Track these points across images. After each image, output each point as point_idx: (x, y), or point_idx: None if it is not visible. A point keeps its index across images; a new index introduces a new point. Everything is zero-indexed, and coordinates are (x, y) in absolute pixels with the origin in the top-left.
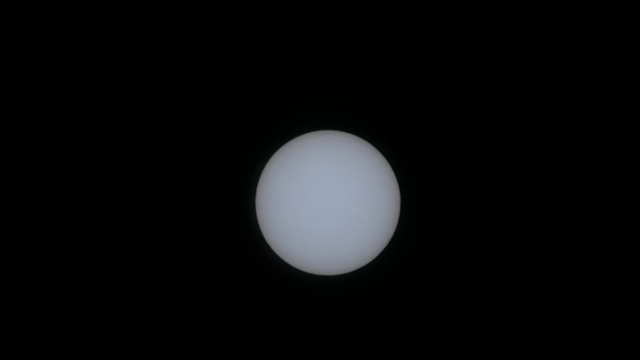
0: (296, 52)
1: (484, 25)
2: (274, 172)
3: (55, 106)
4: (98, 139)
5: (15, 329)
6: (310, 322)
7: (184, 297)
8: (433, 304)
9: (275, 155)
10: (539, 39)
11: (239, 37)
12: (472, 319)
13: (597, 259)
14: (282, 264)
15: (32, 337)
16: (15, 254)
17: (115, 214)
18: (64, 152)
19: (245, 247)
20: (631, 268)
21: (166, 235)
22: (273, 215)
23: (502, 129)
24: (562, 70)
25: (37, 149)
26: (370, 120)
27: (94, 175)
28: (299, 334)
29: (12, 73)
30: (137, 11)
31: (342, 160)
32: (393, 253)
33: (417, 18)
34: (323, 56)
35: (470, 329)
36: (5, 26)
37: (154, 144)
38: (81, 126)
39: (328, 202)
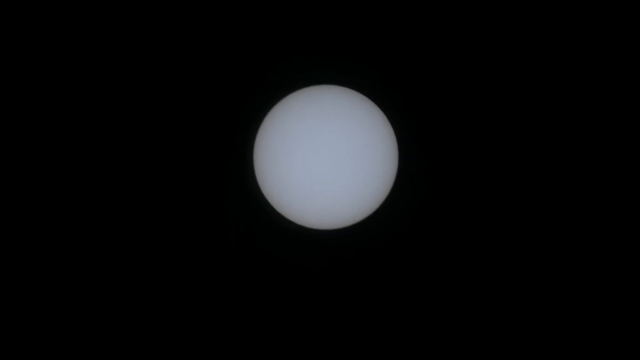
0: (295, 7)
1: None
2: (272, 127)
3: (42, 97)
4: (90, 102)
5: (15, 329)
6: (308, 276)
7: (182, 251)
8: (430, 258)
9: (274, 110)
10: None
11: None
12: (469, 274)
13: (597, 233)
14: (280, 217)
15: (30, 334)
16: (9, 248)
17: (118, 172)
18: (54, 138)
19: (243, 201)
20: (630, 263)
21: (165, 189)
22: (271, 169)
23: (501, 84)
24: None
25: (27, 143)
26: (368, 75)
27: (89, 135)
28: (296, 288)
29: (7, 73)
30: None
31: (340, 114)
32: (391, 207)
33: None
34: (322, 11)
35: (467, 284)
36: (5, 26)
37: (153, 100)
38: (69, 98)
39: (326, 156)
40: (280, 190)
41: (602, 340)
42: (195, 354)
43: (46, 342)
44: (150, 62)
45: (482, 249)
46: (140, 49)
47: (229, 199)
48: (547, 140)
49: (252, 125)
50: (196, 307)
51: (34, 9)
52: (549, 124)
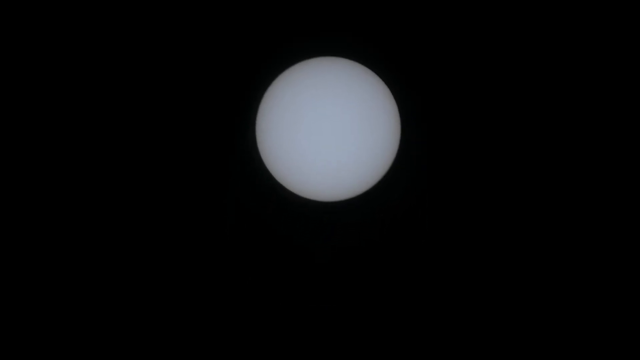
0: None
1: None
2: (275, 99)
3: (36, 92)
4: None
5: (15, 328)
6: (310, 248)
7: (185, 225)
8: (432, 230)
9: (276, 82)
10: None
11: None
12: (471, 248)
13: (597, 222)
14: (282, 189)
15: (31, 334)
16: (9, 248)
17: (120, 150)
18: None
19: (246, 174)
20: (630, 263)
21: (167, 162)
22: (274, 142)
23: (504, 59)
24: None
25: (23, 139)
26: (371, 47)
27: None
28: (299, 260)
29: (7, 73)
30: None
31: (343, 86)
32: (393, 179)
33: None
34: None
35: (468, 259)
36: (4, 26)
37: (156, 71)
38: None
39: (329, 129)
40: (283, 162)
41: (602, 340)
42: (198, 328)
43: (46, 339)
44: (154, 31)
45: (483, 222)
46: (142, 20)
47: (232, 172)
48: (551, 115)
49: (254, 97)
50: (199, 281)
51: (29, 8)
52: (553, 101)
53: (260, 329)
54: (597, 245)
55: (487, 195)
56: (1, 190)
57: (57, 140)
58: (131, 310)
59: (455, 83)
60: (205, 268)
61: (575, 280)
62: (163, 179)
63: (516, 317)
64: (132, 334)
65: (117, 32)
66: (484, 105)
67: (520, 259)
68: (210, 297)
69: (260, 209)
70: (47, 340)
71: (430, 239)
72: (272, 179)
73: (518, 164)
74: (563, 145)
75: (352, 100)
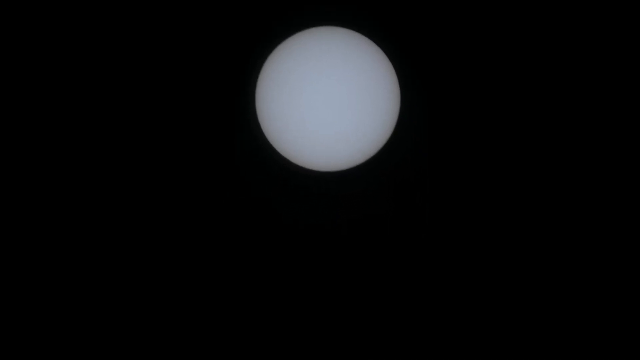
0: None
1: None
2: (274, 69)
3: (32, 91)
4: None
5: (15, 329)
6: (311, 219)
7: (186, 197)
8: (432, 201)
9: (276, 51)
10: None
11: None
12: (471, 219)
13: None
14: (282, 160)
15: (30, 334)
16: (9, 248)
17: (118, 109)
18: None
19: (246, 145)
20: (630, 263)
21: (168, 136)
22: (273, 112)
23: (505, 31)
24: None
25: (21, 138)
26: (371, 16)
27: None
28: (300, 232)
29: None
30: None
31: (342, 56)
32: (393, 148)
33: None
34: None
35: (468, 231)
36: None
37: (153, 47)
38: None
39: (328, 98)
40: (283, 132)
41: (602, 339)
42: (204, 299)
43: (46, 339)
44: (151, 4)
45: (483, 193)
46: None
47: (233, 143)
48: (549, 93)
49: (253, 68)
50: (200, 252)
51: (26, 7)
52: (551, 80)
53: (261, 301)
54: (598, 237)
55: (488, 165)
56: (1, 190)
57: (57, 133)
58: (137, 288)
59: (455, 51)
60: (204, 239)
61: (575, 272)
62: (164, 150)
63: (513, 299)
64: (137, 321)
65: (113, 12)
66: (484, 74)
67: (519, 224)
68: (211, 269)
69: (260, 180)
70: (47, 340)
71: (432, 212)
72: (273, 150)
73: (518, 132)
74: (565, 110)
75: (351, 69)
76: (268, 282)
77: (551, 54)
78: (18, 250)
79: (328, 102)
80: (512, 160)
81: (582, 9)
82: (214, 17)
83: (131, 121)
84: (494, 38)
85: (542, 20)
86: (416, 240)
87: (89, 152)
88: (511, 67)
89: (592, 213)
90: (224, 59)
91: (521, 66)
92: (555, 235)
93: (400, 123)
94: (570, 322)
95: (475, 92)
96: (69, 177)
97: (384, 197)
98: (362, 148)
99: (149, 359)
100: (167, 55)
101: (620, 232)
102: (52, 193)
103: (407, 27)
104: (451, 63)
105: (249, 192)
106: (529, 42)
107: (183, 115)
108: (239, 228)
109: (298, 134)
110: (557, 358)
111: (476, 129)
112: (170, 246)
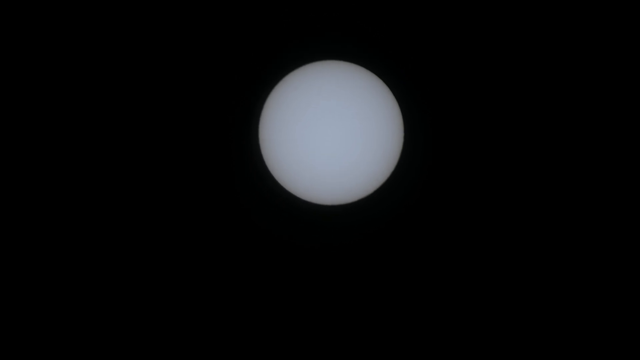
0: None
1: None
2: (278, 103)
3: (31, 92)
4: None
5: (15, 329)
6: (313, 253)
7: (186, 226)
8: (435, 235)
9: (279, 86)
10: None
11: None
12: (474, 250)
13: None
14: (285, 193)
15: (30, 334)
16: (9, 248)
17: (122, 147)
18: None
19: (248, 177)
20: (630, 263)
21: (170, 167)
22: (276, 145)
23: (507, 59)
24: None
25: (21, 139)
26: (374, 50)
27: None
28: (301, 265)
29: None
30: None
31: (346, 90)
32: (396, 182)
33: None
34: None
35: (471, 260)
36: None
37: (159, 74)
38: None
39: (331, 132)
40: (286, 165)
41: (602, 340)
42: (198, 327)
43: (46, 339)
44: (154, 34)
45: (487, 225)
46: (146, 22)
47: (235, 175)
48: (555, 115)
49: (257, 101)
50: (199, 280)
51: (23, 6)
52: (557, 100)
53: (260, 331)
54: (598, 241)
55: (490, 199)
56: (1, 190)
57: (61, 134)
58: (132, 303)
59: (459, 86)
60: (205, 269)
61: (576, 277)
62: (166, 181)
63: (518, 319)
64: (133, 333)
65: (120, 38)
66: (488, 108)
67: (521, 262)
68: (211, 298)
69: (262, 212)
70: (47, 340)
71: (434, 239)
72: (275, 182)
73: (521, 168)
74: (567, 146)
75: (354, 103)
76: (269, 314)
77: (555, 87)
78: (14, 249)
79: (331, 136)
80: (518, 196)
81: (578, 38)
82: (219, 49)
83: (136, 153)
84: (499, 76)
85: (545, 56)
86: (415, 273)
87: (89, 175)
88: (517, 104)
89: (592, 216)
90: (228, 91)
91: (528, 103)
92: (558, 251)
93: (403, 157)
94: (570, 322)
95: (479, 128)
96: (69, 184)
97: (386, 231)
98: (365, 182)
99: None
100: (172, 87)
101: (620, 232)
102: (53, 194)
103: (411, 62)
104: (455, 97)
105: (251, 225)
106: (534, 79)
107: (187, 148)
108: (241, 261)
109: (301, 167)
110: (557, 358)
111: (480, 164)
112: (172, 277)
